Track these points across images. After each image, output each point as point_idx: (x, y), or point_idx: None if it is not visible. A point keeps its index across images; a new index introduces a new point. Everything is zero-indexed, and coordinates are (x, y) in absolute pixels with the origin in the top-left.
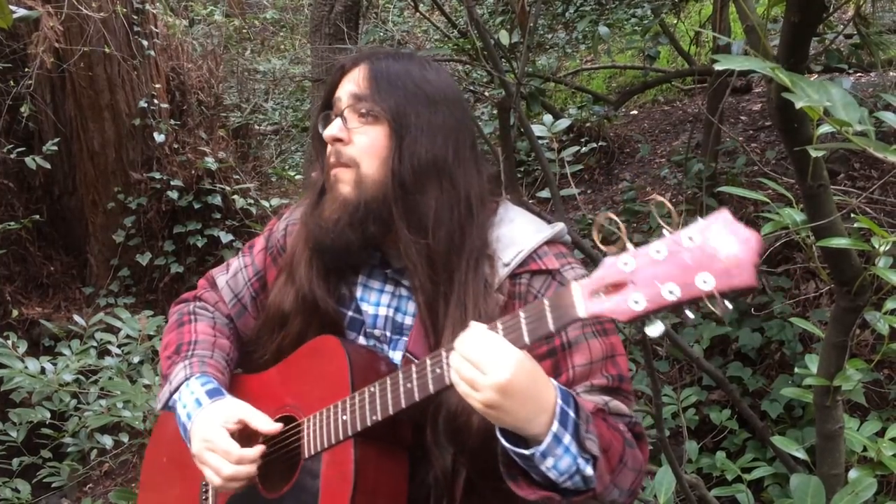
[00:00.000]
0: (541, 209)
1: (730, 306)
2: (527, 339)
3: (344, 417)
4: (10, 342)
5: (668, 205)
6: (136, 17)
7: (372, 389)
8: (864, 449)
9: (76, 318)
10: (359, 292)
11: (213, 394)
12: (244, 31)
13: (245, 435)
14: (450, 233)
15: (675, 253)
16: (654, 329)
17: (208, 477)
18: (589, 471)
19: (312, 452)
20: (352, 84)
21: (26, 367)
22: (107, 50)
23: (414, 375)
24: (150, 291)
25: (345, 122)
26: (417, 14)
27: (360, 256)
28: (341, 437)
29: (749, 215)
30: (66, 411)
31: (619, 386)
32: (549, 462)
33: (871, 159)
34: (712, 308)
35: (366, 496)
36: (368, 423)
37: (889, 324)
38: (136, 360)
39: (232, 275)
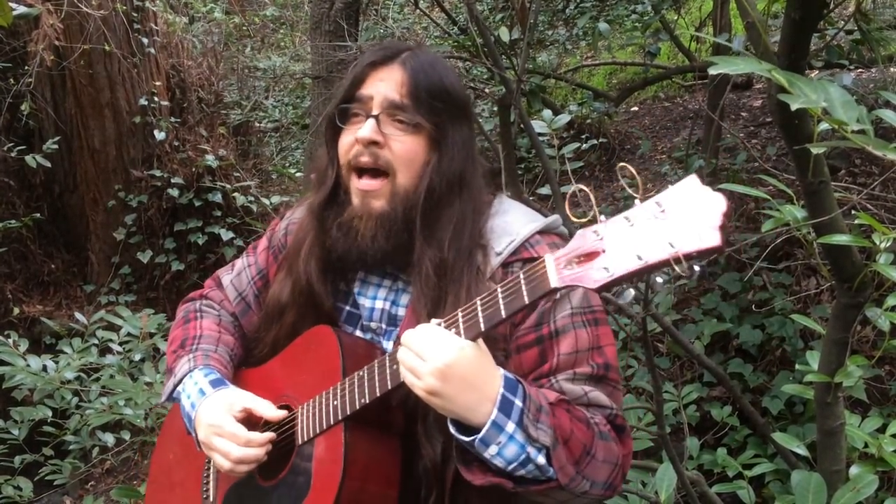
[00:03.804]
0: (541, 206)
1: (697, 268)
2: (503, 313)
3: (335, 402)
4: (11, 340)
5: (634, 172)
6: (135, 15)
7: (361, 374)
8: (866, 445)
9: (77, 315)
10: (356, 287)
11: (216, 384)
12: (244, 28)
13: (249, 424)
14: (459, 241)
15: (644, 220)
16: (625, 297)
17: (218, 462)
18: (541, 459)
19: (306, 438)
20: (388, 88)
21: (28, 365)
22: (107, 48)
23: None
24: (151, 289)
25: (379, 125)
26: (417, 11)
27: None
28: (332, 422)
29: (750, 212)
30: (68, 409)
31: (604, 374)
32: (493, 450)
33: (872, 156)
34: (679, 271)
35: (356, 479)
36: (357, 407)
37: (890, 320)
38: (137, 357)
39: (236, 274)
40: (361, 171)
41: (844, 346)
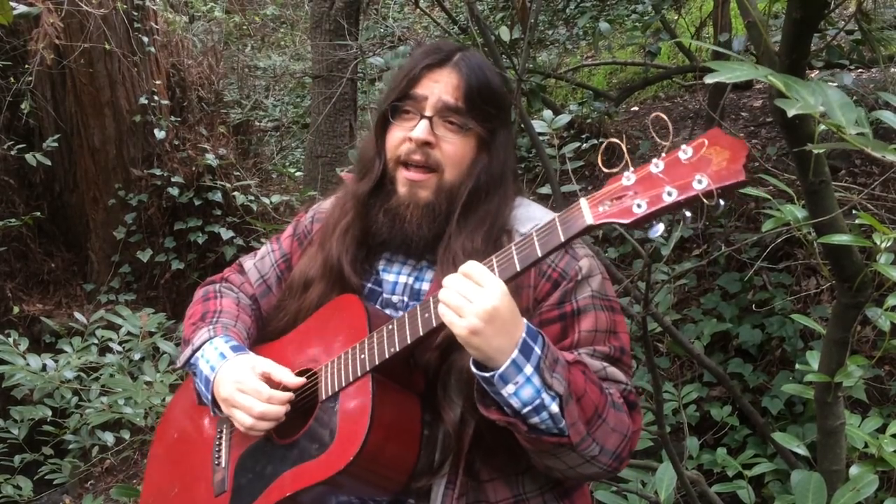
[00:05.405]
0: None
1: (722, 203)
2: (539, 252)
3: (362, 356)
4: (11, 339)
5: (666, 119)
6: (136, 14)
7: (389, 327)
8: (865, 445)
9: (77, 315)
10: (381, 265)
11: (236, 349)
12: (244, 27)
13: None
14: (490, 231)
15: (672, 164)
16: (656, 230)
17: (238, 419)
18: (555, 408)
19: (330, 393)
20: (443, 90)
21: (27, 365)
22: (107, 46)
23: (431, 305)
24: (150, 288)
25: (431, 126)
26: (418, 10)
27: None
28: (359, 374)
29: (750, 212)
30: (68, 408)
31: (620, 357)
32: (511, 388)
33: (872, 156)
34: (707, 204)
35: (381, 429)
36: (386, 356)
37: (890, 320)
38: (137, 356)
39: (259, 258)
40: (410, 165)
41: (844, 346)
